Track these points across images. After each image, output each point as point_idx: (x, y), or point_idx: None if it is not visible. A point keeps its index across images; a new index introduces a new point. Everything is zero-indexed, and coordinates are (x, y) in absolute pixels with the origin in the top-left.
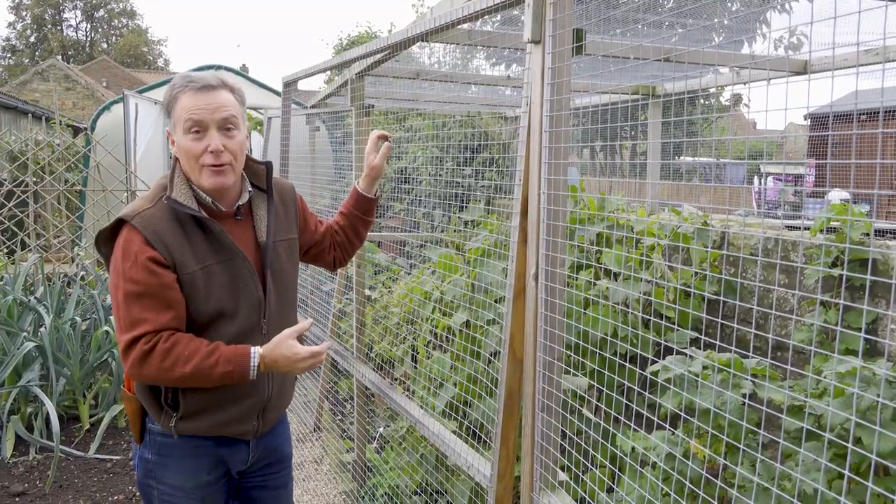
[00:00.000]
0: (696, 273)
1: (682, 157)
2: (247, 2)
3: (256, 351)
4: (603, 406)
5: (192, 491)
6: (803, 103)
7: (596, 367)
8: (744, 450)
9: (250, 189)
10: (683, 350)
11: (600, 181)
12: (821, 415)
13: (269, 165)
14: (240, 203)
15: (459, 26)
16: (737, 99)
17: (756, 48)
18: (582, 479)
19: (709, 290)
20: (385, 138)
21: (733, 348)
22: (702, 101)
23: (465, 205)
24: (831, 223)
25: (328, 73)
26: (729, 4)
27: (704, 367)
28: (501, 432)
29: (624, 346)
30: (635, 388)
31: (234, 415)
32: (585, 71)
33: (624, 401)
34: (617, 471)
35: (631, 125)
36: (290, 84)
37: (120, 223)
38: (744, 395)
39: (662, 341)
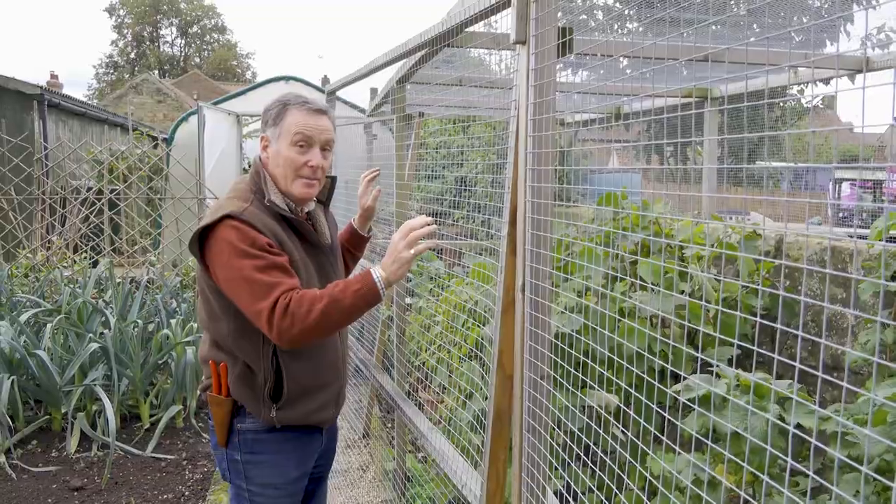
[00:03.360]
0: (744, 286)
1: (756, 162)
2: (330, 15)
3: (375, 271)
4: (618, 426)
5: (282, 486)
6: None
7: (621, 385)
8: (772, 480)
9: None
10: (711, 370)
11: (666, 188)
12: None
13: (333, 179)
14: (308, 210)
15: (475, 30)
16: (825, 100)
17: (841, 46)
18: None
19: (757, 304)
20: (376, 175)
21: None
22: (781, 103)
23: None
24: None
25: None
26: (810, 1)
27: (734, 387)
28: (490, 452)
29: (643, 362)
30: (655, 408)
31: (323, 401)
32: (636, 74)
33: (632, 420)
34: (624, 497)
35: (696, 130)
36: (332, 93)
37: (224, 219)
38: (779, 419)
39: (692, 359)
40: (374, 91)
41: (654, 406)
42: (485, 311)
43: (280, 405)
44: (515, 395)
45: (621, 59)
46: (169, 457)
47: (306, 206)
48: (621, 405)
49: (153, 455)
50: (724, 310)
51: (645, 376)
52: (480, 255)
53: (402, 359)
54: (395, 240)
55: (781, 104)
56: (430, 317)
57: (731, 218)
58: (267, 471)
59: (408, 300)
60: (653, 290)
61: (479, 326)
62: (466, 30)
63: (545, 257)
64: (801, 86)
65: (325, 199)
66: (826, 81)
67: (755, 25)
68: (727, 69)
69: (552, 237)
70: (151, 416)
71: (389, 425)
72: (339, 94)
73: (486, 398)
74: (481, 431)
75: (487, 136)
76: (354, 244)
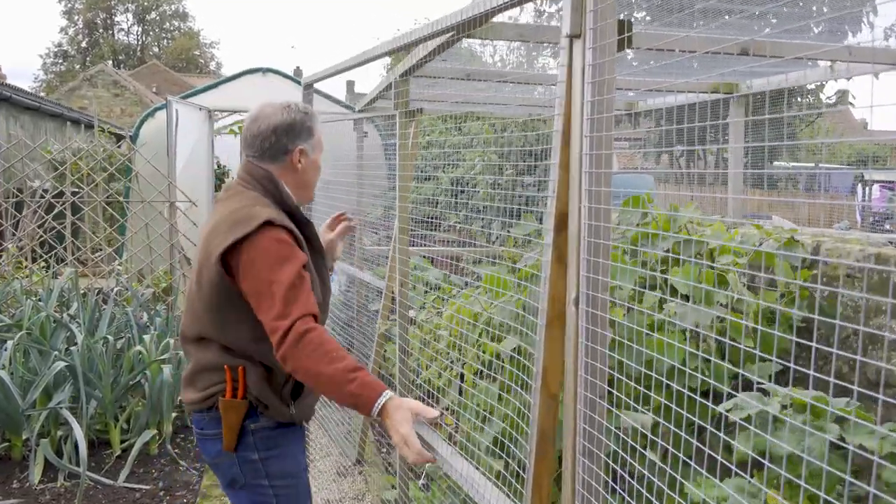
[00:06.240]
0: (783, 295)
1: (774, 163)
2: (302, 2)
3: (387, 393)
4: (656, 448)
5: (299, 474)
6: None
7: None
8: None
9: None
10: (761, 386)
11: (679, 190)
12: None
13: None
14: None
15: (501, 21)
16: (841, 96)
17: (862, 38)
18: None
19: (796, 315)
20: (341, 220)
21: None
22: (798, 99)
23: (528, 213)
24: None
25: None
26: None
27: (784, 407)
28: (534, 478)
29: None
30: (698, 428)
31: (316, 398)
32: (664, 68)
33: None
34: None
35: (714, 126)
36: (310, 86)
37: (264, 226)
38: (833, 440)
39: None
40: (350, 84)
41: (702, 425)
42: (519, 323)
43: (298, 402)
44: (568, 416)
45: (627, 52)
46: (144, 487)
47: None
48: (680, 420)
49: (126, 485)
50: (777, 306)
51: (689, 391)
52: (486, 259)
53: (408, 376)
54: (416, 407)
55: (799, 100)
56: (436, 328)
57: (756, 221)
58: (289, 461)
59: (411, 313)
60: (688, 300)
61: (504, 336)
62: (492, 20)
63: (604, 267)
64: (820, 82)
65: None
66: (848, 78)
67: (771, 16)
68: (756, 62)
69: (610, 245)
70: (122, 441)
71: (384, 450)
72: (316, 86)
73: (522, 418)
74: (522, 456)
75: (487, 133)
76: None
